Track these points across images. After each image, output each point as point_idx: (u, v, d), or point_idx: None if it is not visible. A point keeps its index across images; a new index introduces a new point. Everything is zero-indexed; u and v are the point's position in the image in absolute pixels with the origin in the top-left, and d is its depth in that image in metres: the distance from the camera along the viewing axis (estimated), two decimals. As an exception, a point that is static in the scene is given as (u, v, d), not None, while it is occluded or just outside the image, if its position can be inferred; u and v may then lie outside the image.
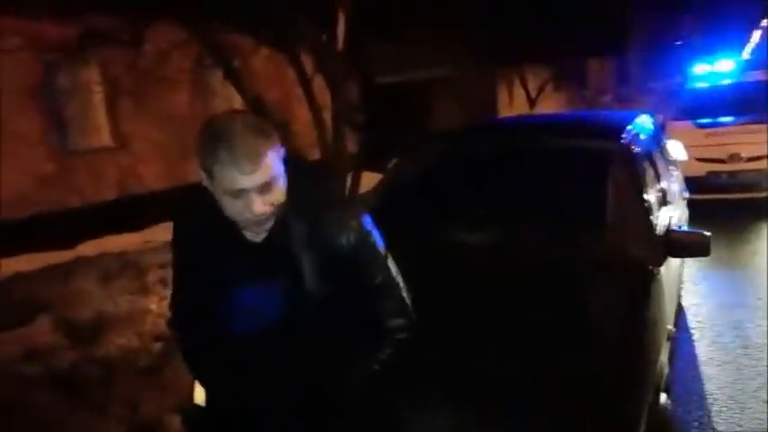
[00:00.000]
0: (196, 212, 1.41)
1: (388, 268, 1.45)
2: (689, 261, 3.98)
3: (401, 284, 1.48)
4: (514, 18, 11.01)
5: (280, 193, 1.30)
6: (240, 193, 1.26)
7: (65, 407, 3.36)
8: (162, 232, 7.49)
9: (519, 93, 17.27)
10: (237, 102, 10.38)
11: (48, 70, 8.23)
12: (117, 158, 8.88)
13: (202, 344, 1.50)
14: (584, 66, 20.60)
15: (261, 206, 1.27)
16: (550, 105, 17.76)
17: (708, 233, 2.66)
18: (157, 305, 4.78)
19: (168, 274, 5.25)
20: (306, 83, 6.72)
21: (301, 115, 8.33)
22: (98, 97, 8.79)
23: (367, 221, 1.43)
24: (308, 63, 6.77)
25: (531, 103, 16.30)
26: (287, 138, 6.70)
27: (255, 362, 1.43)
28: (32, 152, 7.84)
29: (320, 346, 1.43)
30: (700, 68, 8.49)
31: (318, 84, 6.80)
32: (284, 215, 1.35)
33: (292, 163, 1.36)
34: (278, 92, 8.90)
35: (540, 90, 16.63)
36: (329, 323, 1.42)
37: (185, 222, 1.48)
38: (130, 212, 7.86)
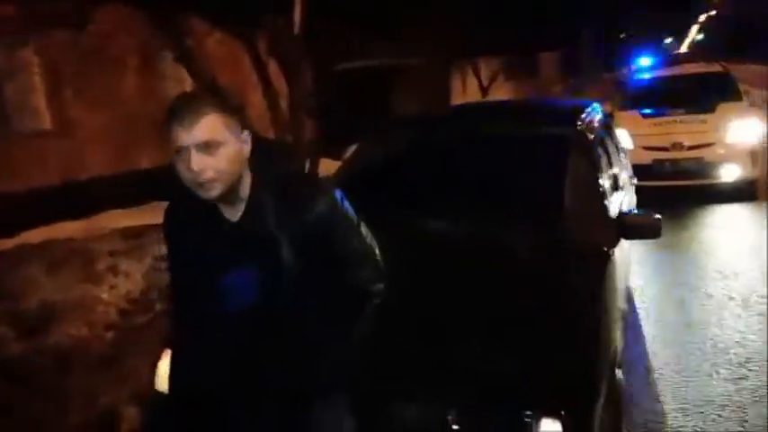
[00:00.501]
0: (183, 199, 1.46)
1: (361, 234, 1.51)
2: (635, 243, 4.15)
3: (375, 250, 1.54)
4: (469, 9, 11.11)
5: (225, 159, 1.35)
6: (182, 151, 1.33)
7: (16, 399, 3.23)
8: (110, 219, 7.25)
9: (472, 82, 17.47)
10: (189, 84, 10.09)
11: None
12: (60, 143, 8.49)
13: (185, 326, 1.55)
14: (535, 57, 21.02)
15: (198, 163, 1.32)
16: (502, 94, 18.07)
17: (659, 216, 2.78)
18: (108, 294, 4.64)
19: (119, 262, 5.13)
20: (261, 68, 6.61)
21: (255, 101, 8.19)
22: (37, 79, 8.38)
23: (335, 191, 1.49)
24: (263, 48, 6.65)
25: (484, 91, 16.54)
26: (242, 122, 6.59)
27: (230, 346, 1.47)
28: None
29: (293, 332, 1.47)
30: (645, 61, 8.83)
31: (274, 69, 6.70)
32: (257, 194, 1.43)
33: (258, 143, 1.43)
34: (232, 76, 8.70)
35: (492, 79, 16.89)
36: (304, 304, 1.46)
37: (174, 208, 1.55)
38: (76, 199, 7.56)
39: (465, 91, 18.86)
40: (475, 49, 14.66)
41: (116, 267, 5.11)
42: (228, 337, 1.48)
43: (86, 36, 8.01)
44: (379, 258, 1.55)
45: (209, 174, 1.34)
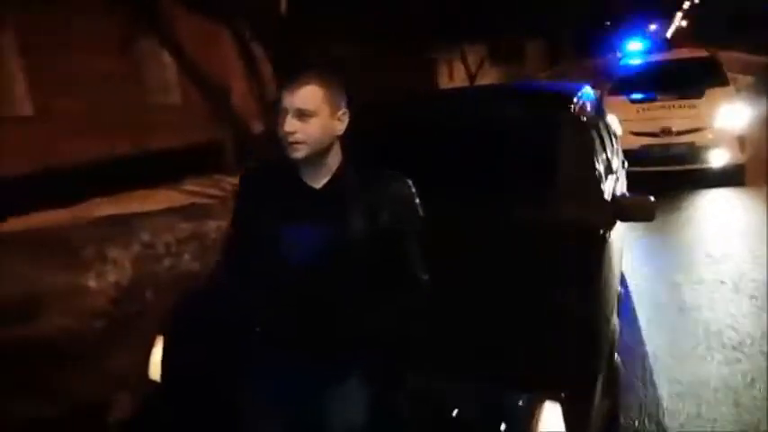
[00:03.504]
0: (265, 168, 1.68)
1: (421, 232, 1.64)
2: (628, 227, 4.15)
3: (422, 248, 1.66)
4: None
5: (313, 130, 1.51)
6: (281, 111, 1.52)
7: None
8: (93, 207, 7.12)
9: (458, 68, 17.42)
10: (172, 70, 9.94)
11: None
12: (38, 128, 8.28)
13: (247, 276, 1.66)
14: (521, 43, 20.98)
15: (291, 126, 1.50)
16: (489, 80, 18.01)
17: (653, 198, 2.76)
18: (96, 282, 4.56)
19: (106, 250, 5.03)
20: (246, 54, 6.49)
21: (238, 87, 8.05)
22: (16, 63, 8.16)
23: (411, 187, 1.63)
24: (247, 33, 6.51)
25: (471, 78, 16.50)
26: (227, 110, 6.48)
27: (281, 295, 1.59)
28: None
29: (340, 299, 1.58)
30: (633, 46, 8.82)
31: (259, 55, 6.57)
32: (343, 170, 1.59)
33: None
34: (216, 63, 8.55)
35: (479, 66, 16.85)
36: (358, 277, 1.58)
37: (253, 175, 1.70)
38: (56, 187, 7.38)
39: (452, 77, 18.81)
40: (460, 34, 14.61)
41: (104, 255, 5.02)
42: (281, 287, 1.59)
43: (65, 18, 7.80)
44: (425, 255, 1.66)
45: (298, 137, 1.50)
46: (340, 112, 1.55)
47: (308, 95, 1.50)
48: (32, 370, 3.37)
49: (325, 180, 1.58)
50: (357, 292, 1.58)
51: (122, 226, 5.68)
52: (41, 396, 3.14)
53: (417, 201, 1.64)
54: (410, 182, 1.63)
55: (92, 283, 4.50)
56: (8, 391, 3.17)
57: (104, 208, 6.85)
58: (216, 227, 5.61)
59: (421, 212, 1.64)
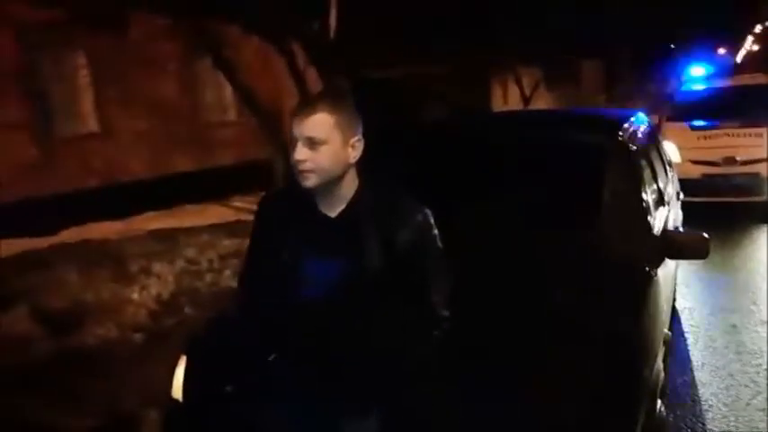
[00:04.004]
0: (282, 194, 1.67)
1: (442, 263, 1.58)
2: (683, 263, 3.91)
3: (448, 281, 1.60)
4: (508, 17, 10.96)
5: (323, 158, 1.47)
6: (293, 140, 1.49)
7: (39, 399, 3.23)
8: (146, 221, 7.35)
9: (513, 91, 17.23)
10: (228, 91, 10.24)
11: (32, 54, 8.03)
12: (103, 145, 8.69)
13: (266, 309, 1.62)
14: (577, 65, 20.60)
15: (301, 154, 1.46)
16: (544, 104, 17.74)
17: (706, 235, 2.57)
18: (139, 295, 4.66)
19: (151, 264, 5.15)
20: (297, 74, 6.60)
21: (290, 108, 8.17)
22: (84, 82, 8.60)
23: (430, 217, 1.57)
24: (299, 55, 6.65)
25: (526, 101, 16.28)
26: (277, 130, 6.59)
27: (295, 332, 1.56)
28: (17, 138, 7.65)
29: (356, 335, 1.52)
30: (696, 71, 8.47)
31: (311, 77, 6.68)
32: (361, 195, 1.54)
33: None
34: (268, 83, 8.75)
35: (534, 88, 16.61)
36: (374, 311, 1.52)
37: (270, 202, 1.68)
38: (115, 200, 7.69)
39: (506, 100, 18.63)
40: (511, 58, 14.46)
41: (149, 269, 5.13)
42: (295, 324, 1.55)
43: (129, 40, 8.17)
44: (448, 291, 1.58)
45: (308, 165, 1.47)
46: (353, 140, 1.51)
47: (318, 123, 1.46)
48: (72, 380, 3.44)
49: (340, 208, 1.54)
50: (373, 323, 1.53)
51: (169, 240, 5.81)
52: (79, 406, 3.19)
53: (435, 231, 1.57)
54: (428, 211, 1.57)
55: (135, 296, 4.60)
56: (49, 400, 3.24)
57: (156, 222, 7.06)
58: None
59: (439, 243, 1.57)
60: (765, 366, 3.37)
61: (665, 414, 2.21)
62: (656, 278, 2.41)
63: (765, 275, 4.88)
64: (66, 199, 7.52)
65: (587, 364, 1.87)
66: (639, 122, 3.43)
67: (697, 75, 8.45)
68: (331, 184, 1.50)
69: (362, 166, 1.58)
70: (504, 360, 1.88)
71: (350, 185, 1.54)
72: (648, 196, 2.82)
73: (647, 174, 2.98)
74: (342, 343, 1.53)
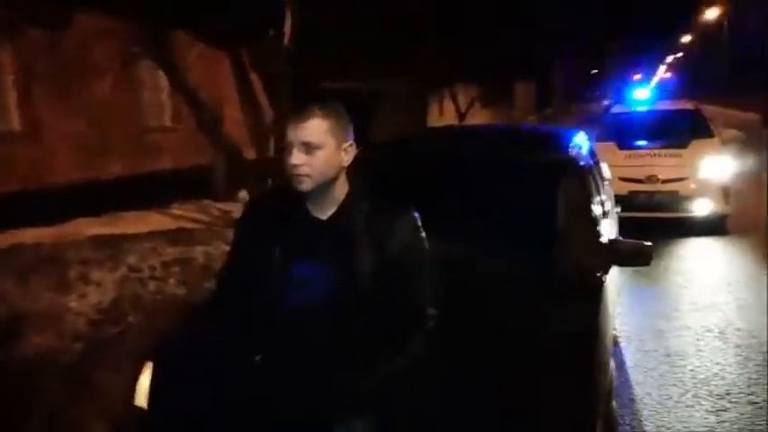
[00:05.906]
0: (271, 196, 1.69)
1: (430, 265, 1.63)
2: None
3: (435, 280, 1.64)
4: (449, 39, 11.31)
5: (319, 162, 1.52)
6: (287, 144, 1.54)
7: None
8: (81, 227, 7.01)
9: (449, 107, 17.68)
10: (165, 94, 9.97)
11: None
12: (28, 146, 8.21)
13: (245, 316, 1.62)
14: (510, 86, 21.44)
15: (295, 159, 1.51)
16: (478, 121, 18.30)
17: (650, 243, 2.80)
18: (78, 303, 4.46)
19: (90, 271, 4.94)
20: (245, 82, 6.53)
21: (232, 116, 8.06)
22: (9, 79, 8.13)
23: (417, 220, 1.62)
24: (248, 61, 6.57)
25: (461, 117, 16.74)
26: (219, 135, 6.48)
27: (279, 341, 1.56)
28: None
29: (342, 341, 1.54)
30: (639, 93, 9.17)
31: (257, 84, 6.61)
32: (352, 198, 1.59)
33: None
34: (212, 88, 8.60)
35: (470, 106, 17.13)
36: (362, 316, 1.54)
37: (259, 204, 1.73)
38: (42, 205, 7.28)
39: (442, 115, 19.08)
40: (453, 77, 14.89)
41: (87, 276, 4.92)
42: (279, 332, 1.56)
43: (64, 40, 7.82)
44: (436, 289, 1.63)
45: (304, 170, 1.51)
46: (346, 144, 1.57)
47: (313, 129, 1.51)
48: (11, 392, 3.27)
49: (330, 211, 1.58)
50: (360, 330, 1.55)
51: (108, 247, 5.59)
52: (22, 419, 3.04)
53: (423, 233, 1.63)
54: (416, 214, 1.63)
55: (73, 304, 4.41)
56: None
57: (91, 228, 6.75)
58: (203, 252, 5.55)
59: (427, 245, 1.63)
60: (690, 367, 3.68)
61: (617, 411, 2.38)
62: (605, 284, 2.60)
63: (684, 285, 5.30)
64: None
65: (547, 368, 1.97)
66: (584, 140, 3.67)
67: (640, 98, 9.10)
68: (324, 186, 1.55)
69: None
70: (468, 371, 1.96)
71: (341, 189, 1.59)
72: (596, 208, 3.02)
73: (593, 187, 3.20)
74: (328, 345, 1.54)
